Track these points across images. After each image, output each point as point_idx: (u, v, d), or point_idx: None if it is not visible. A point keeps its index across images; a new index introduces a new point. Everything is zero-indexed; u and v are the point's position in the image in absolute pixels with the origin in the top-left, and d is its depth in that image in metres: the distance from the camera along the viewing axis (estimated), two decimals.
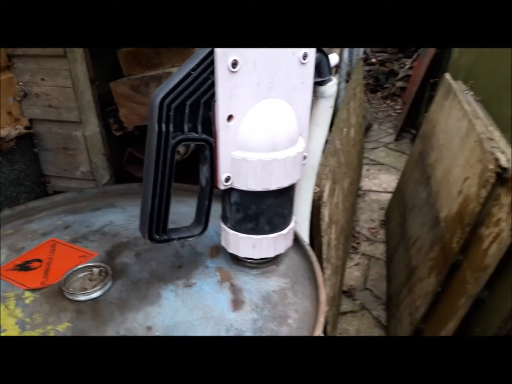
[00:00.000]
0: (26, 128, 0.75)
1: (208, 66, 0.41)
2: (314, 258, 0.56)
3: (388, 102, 4.24)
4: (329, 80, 0.51)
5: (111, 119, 0.77)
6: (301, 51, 0.45)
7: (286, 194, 0.50)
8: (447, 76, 1.73)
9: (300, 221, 0.64)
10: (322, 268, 1.29)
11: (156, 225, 0.45)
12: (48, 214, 0.71)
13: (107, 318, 0.48)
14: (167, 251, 0.59)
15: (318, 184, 1.15)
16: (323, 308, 0.48)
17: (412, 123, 3.28)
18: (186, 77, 0.40)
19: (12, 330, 0.46)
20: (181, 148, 0.72)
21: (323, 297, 0.50)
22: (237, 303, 0.50)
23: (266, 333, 0.46)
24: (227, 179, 0.47)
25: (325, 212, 1.27)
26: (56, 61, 0.72)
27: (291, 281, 0.54)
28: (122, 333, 0.46)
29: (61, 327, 0.47)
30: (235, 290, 0.52)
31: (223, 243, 0.55)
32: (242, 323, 0.47)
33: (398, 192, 2.20)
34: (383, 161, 3.09)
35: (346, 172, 1.83)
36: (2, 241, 0.63)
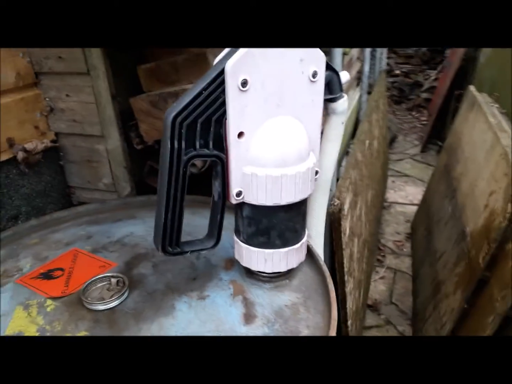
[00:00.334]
0: (52, 141, 0.79)
1: (219, 86, 0.42)
2: (327, 273, 0.56)
3: (413, 113, 4.18)
4: (340, 97, 0.51)
5: (132, 133, 0.80)
6: (310, 69, 0.45)
7: (297, 209, 0.51)
8: (472, 88, 1.70)
9: (315, 235, 0.64)
10: (344, 281, 1.28)
11: (169, 238, 0.47)
12: (72, 225, 0.73)
13: (122, 327, 0.49)
14: (183, 262, 0.60)
15: (338, 196, 1.15)
16: (335, 324, 0.48)
17: (438, 135, 3.22)
18: (198, 96, 0.42)
19: None
20: (198, 162, 0.73)
21: (335, 313, 0.50)
22: (249, 317, 0.51)
23: None
24: (239, 194, 0.48)
25: (346, 225, 1.26)
26: (79, 78, 0.76)
27: (304, 296, 0.54)
28: None
29: (79, 335, 0.48)
30: (247, 304, 0.53)
31: (236, 256, 0.55)
32: None
33: (424, 205, 2.16)
34: (408, 172, 3.04)
35: (369, 184, 1.81)
36: (28, 250, 0.66)
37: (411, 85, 4.28)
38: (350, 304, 1.30)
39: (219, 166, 0.47)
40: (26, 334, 0.48)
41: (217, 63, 0.43)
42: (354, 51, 1.72)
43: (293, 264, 0.54)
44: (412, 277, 1.96)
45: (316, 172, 0.54)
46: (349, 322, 1.26)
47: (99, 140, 0.81)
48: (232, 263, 0.60)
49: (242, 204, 0.50)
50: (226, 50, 0.44)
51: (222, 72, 0.42)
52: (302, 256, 0.55)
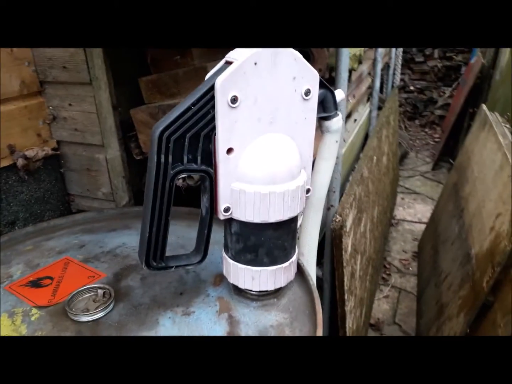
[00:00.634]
0: (53, 149, 0.80)
1: (208, 101, 0.42)
2: (316, 294, 0.55)
3: (426, 130, 4.14)
4: (335, 115, 0.51)
5: (132, 143, 0.80)
6: (303, 87, 0.45)
7: (286, 227, 0.50)
8: (484, 107, 1.68)
9: (307, 253, 0.63)
10: (343, 299, 1.26)
11: (153, 252, 0.46)
12: (66, 233, 0.73)
13: None
14: (172, 276, 0.60)
15: (340, 213, 1.14)
16: None
17: (450, 153, 3.19)
18: (186, 111, 0.42)
19: None
20: (195, 175, 0.73)
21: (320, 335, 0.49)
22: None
23: None
24: (227, 210, 0.47)
25: (348, 242, 1.24)
26: (82, 88, 0.77)
27: (291, 317, 0.53)
28: None
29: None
30: (232, 322, 0.52)
31: (224, 273, 0.55)
32: None
33: (432, 224, 2.12)
34: (418, 190, 3.00)
35: (376, 200, 1.79)
36: (21, 257, 0.66)
37: (425, 101, 4.25)
38: (350, 323, 1.28)
39: (207, 181, 0.46)
40: None
41: (207, 79, 0.43)
42: (364, 67, 1.71)
43: (281, 283, 0.53)
44: (417, 297, 1.92)
45: (308, 190, 0.54)
46: None
47: (99, 150, 0.82)
48: (221, 278, 0.59)
49: (230, 220, 0.49)
50: (219, 65, 0.44)
51: (212, 87, 0.42)
52: (291, 275, 0.54)
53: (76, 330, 0.50)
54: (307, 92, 0.46)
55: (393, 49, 2.43)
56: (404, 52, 3.65)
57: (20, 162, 0.74)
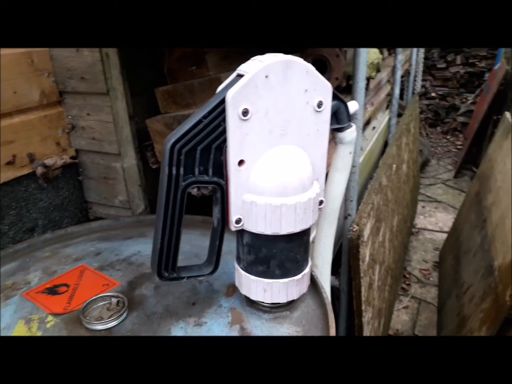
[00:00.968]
0: (72, 158, 0.82)
1: (219, 114, 0.42)
2: (329, 307, 0.54)
3: (448, 137, 4.06)
4: (348, 126, 0.50)
5: (148, 152, 0.81)
6: (315, 100, 0.45)
7: (298, 239, 0.49)
8: (508, 115, 1.63)
9: (321, 265, 0.62)
10: (361, 310, 1.24)
11: (165, 263, 0.47)
12: (83, 240, 0.75)
13: None
14: (185, 285, 0.60)
15: (357, 222, 1.12)
16: None
17: (473, 160, 3.11)
18: (198, 124, 0.42)
19: None
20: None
21: None
22: None
23: None
24: (238, 221, 0.47)
25: (366, 252, 1.22)
26: (100, 98, 0.79)
27: (303, 330, 0.52)
28: None
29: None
30: (243, 334, 0.51)
31: (236, 284, 0.55)
32: None
33: (454, 233, 2.07)
34: (440, 198, 2.94)
35: (395, 209, 1.76)
36: (39, 264, 0.67)
37: (447, 108, 4.17)
38: (367, 334, 1.25)
39: (218, 193, 0.46)
40: None
41: (219, 92, 0.43)
42: (383, 74, 1.69)
43: (293, 296, 0.52)
44: (437, 309, 1.87)
45: (321, 202, 0.53)
46: None
47: (116, 158, 0.83)
48: (234, 289, 0.59)
49: (242, 231, 0.49)
50: (230, 78, 0.44)
51: (223, 100, 0.42)
52: (304, 287, 0.54)
53: None
54: (320, 104, 0.45)
55: (414, 56, 2.39)
56: (425, 58, 3.60)
57: (40, 170, 0.76)
